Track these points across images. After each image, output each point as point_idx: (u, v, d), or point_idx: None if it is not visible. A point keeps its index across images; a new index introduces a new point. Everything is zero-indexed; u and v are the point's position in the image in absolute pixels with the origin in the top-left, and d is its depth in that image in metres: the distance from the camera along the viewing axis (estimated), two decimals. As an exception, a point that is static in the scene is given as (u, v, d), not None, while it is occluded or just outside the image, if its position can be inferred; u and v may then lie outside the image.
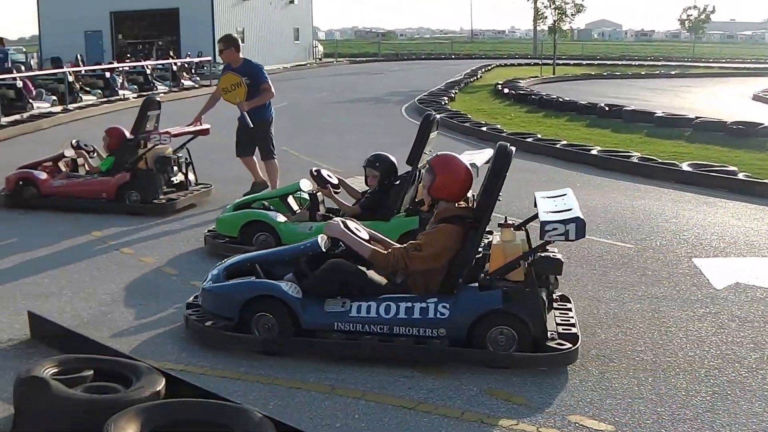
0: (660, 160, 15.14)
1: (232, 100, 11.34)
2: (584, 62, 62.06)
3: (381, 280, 6.39)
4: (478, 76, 42.71)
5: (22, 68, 31.99)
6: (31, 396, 4.67)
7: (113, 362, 5.20)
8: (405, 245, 6.36)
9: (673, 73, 51.60)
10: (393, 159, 8.76)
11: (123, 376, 4.99)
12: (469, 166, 6.52)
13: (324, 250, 6.52)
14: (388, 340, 6.08)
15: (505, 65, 56.63)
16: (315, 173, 9.11)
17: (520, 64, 58.21)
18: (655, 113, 22.71)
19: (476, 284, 6.12)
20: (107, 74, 31.04)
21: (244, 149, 11.79)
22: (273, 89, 11.76)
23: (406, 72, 49.91)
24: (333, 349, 6.13)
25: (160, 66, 37.37)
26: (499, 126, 20.30)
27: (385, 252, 6.33)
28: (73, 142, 12.51)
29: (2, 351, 6.39)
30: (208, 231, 9.42)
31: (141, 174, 11.43)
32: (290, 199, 9.31)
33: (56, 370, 4.94)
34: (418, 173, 8.53)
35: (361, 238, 6.51)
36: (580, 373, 5.96)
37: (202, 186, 12.29)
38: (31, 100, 25.05)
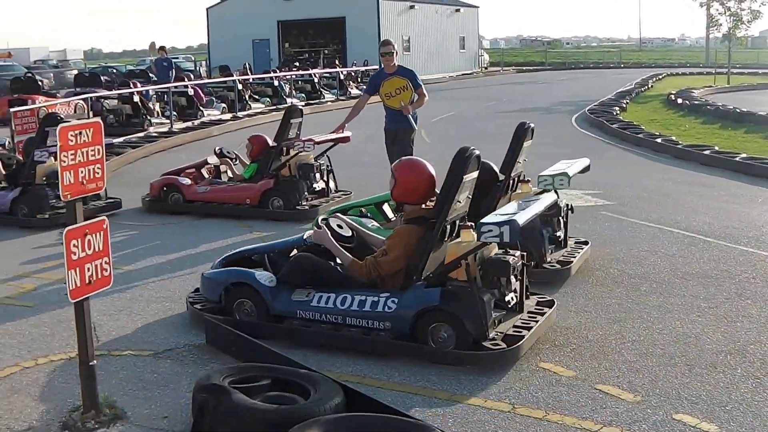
0: None
1: (395, 104, 11.23)
2: (760, 71, 59.54)
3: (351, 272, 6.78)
4: (649, 86, 41.44)
5: (192, 76, 32.94)
6: (212, 404, 4.63)
7: (291, 372, 5.14)
8: (375, 253, 6.72)
9: None
10: (492, 167, 8.64)
11: (301, 386, 4.92)
12: (431, 173, 6.79)
13: (307, 243, 7.09)
14: (339, 329, 6.56)
15: (676, 74, 54.71)
16: None
17: (692, 73, 56.12)
18: (841, 125, 21.42)
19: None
20: (275, 82, 31.62)
21: (395, 157, 11.62)
22: (427, 95, 11.58)
23: (574, 81, 48.99)
24: (293, 335, 6.66)
25: (327, 74, 37.83)
26: (674, 137, 19.54)
27: (361, 262, 6.67)
28: (217, 149, 12.87)
29: (178, 356, 6.46)
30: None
31: (284, 181, 11.69)
32: (385, 207, 9.48)
33: (235, 378, 4.91)
34: (511, 182, 8.74)
35: (343, 237, 7.06)
36: (777, 401, 5.56)
37: (342, 193, 12.39)
38: (201, 108, 25.78)
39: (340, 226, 7.20)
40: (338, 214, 7.74)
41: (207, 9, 57.74)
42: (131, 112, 23.14)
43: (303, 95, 32.20)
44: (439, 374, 5.97)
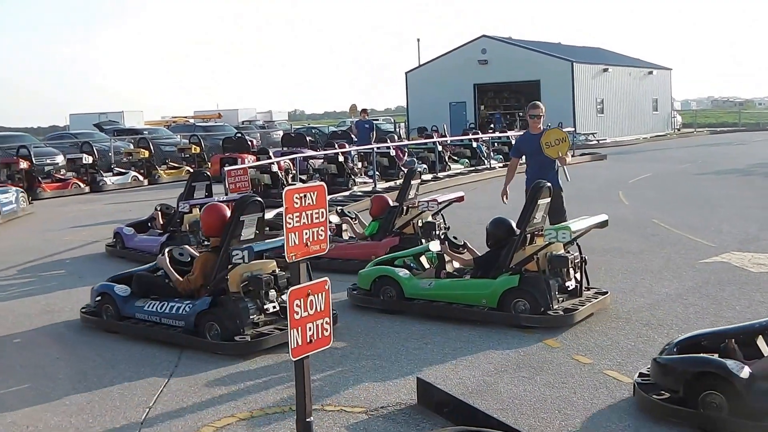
0: None
1: (554, 155, 11.38)
2: None
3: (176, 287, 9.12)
4: None
5: (396, 138, 33.54)
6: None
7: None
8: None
9: None
10: (510, 223, 9.52)
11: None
12: (226, 215, 8.99)
13: (156, 269, 9.61)
14: (152, 326, 8.98)
15: None
16: (442, 236, 10.66)
17: None
18: None
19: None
20: (474, 144, 31.83)
21: None
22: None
23: (771, 143, 47.07)
24: (127, 330, 9.19)
25: (523, 136, 37.66)
26: None
27: (182, 279, 9.04)
28: (338, 209, 13.78)
29: (390, 415, 6.56)
30: (352, 285, 10.46)
31: (407, 238, 12.32)
32: (422, 258, 10.51)
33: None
34: (528, 236, 9.29)
35: (182, 261, 9.54)
36: None
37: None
38: (402, 168, 26.19)
39: (181, 254, 9.70)
40: (185, 246, 10.34)
41: (406, 73, 58.77)
42: (336, 172, 23.86)
43: (500, 157, 32.23)
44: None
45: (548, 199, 9.56)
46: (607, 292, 9.67)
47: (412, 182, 12.94)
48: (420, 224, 12.56)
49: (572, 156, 11.88)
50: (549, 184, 9.64)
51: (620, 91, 57.97)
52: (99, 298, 9.56)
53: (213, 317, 8.49)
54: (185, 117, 70.53)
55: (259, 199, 9.00)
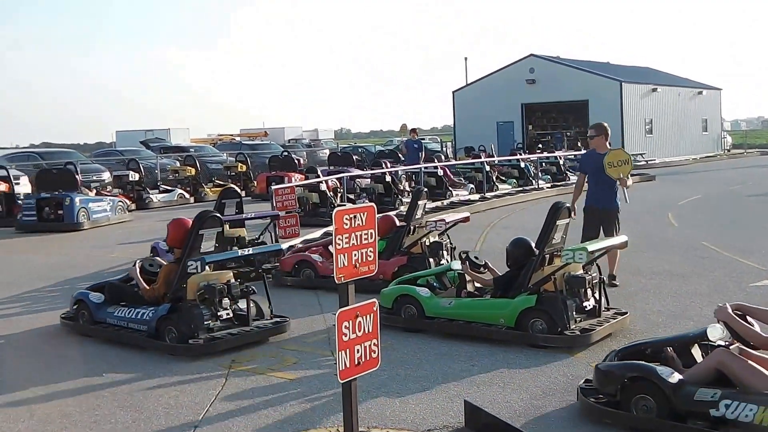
0: None
1: (615, 175, 11.47)
2: None
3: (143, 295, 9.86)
4: None
5: (442, 157, 33.54)
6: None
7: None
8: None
9: None
10: (529, 243, 9.57)
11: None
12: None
13: (129, 279, 10.36)
14: (119, 330, 9.77)
15: None
16: (463, 255, 10.37)
17: None
18: None
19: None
20: (522, 164, 31.74)
21: (589, 235, 11.57)
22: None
23: (825, 165, 46.35)
24: (99, 333, 9.99)
25: (572, 156, 37.55)
26: None
27: (149, 288, 9.80)
28: None
29: (437, 438, 6.50)
30: None
31: (415, 257, 12.49)
32: (444, 278, 10.60)
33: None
34: (547, 257, 9.31)
35: (151, 272, 10.22)
36: None
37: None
38: (450, 188, 26.16)
39: (151, 265, 10.44)
40: (156, 258, 11.12)
41: (453, 92, 58.74)
42: (383, 191, 23.87)
43: (548, 177, 32.10)
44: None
45: (567, 220, 9.62)
46: (626, 313, 9.71)
47: (419, 202, 13.16)
48: (427, 244, 12.64)
49: (630, 179, 11.78)
50: (567, 205, 9.70)
51: (669, 111, 57.55)
52: (76, 305, 10.42)
53: (171, 322, 9.28)
54: (231, 135, 71.01)
55: (218, 214, 10.17)
